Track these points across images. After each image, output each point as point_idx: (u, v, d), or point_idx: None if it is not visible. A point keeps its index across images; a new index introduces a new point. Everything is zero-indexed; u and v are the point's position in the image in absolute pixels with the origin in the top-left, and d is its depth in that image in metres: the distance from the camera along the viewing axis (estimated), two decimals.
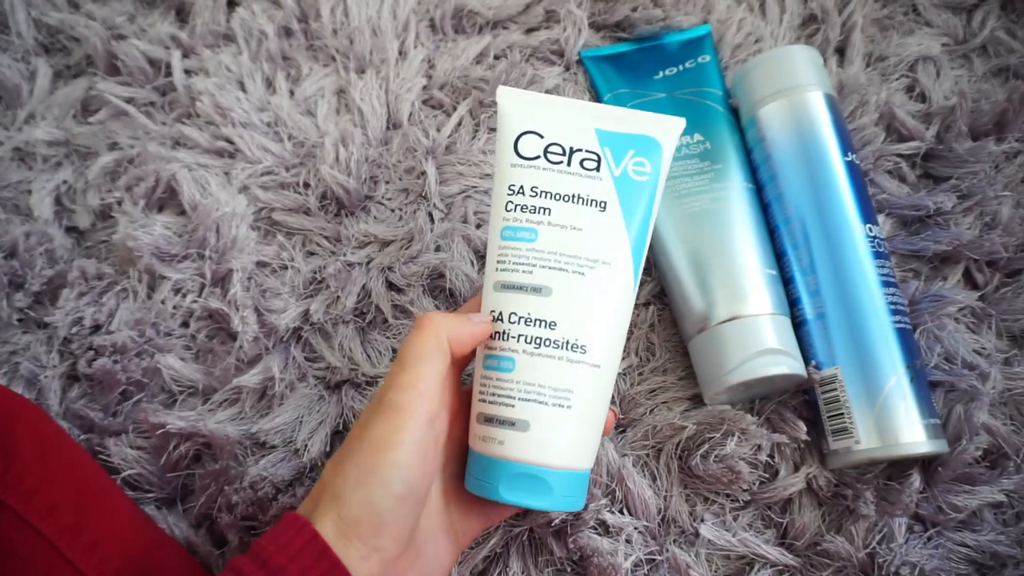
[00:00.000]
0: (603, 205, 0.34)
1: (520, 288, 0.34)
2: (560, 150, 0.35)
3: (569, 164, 0.35)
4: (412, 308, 0.45)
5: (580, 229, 0.34)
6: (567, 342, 0.33)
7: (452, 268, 0.45)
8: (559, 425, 0.33)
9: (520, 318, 0.33)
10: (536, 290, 0.33)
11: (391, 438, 0.29)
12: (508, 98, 0.36)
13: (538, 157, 0.35)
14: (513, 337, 0.33)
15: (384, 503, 0.28)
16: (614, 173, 0.35)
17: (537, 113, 0.36)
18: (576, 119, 0.36)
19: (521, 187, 0.35)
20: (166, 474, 0.43)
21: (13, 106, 0.52)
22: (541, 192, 0.34)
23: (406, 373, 0.31)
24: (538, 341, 0.33)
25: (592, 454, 0.34)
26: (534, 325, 0.33)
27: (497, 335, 0.34)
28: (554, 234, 0.34)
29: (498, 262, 0.34)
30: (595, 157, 0.35)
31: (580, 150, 0.35)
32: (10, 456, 0.35)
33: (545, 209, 0.34)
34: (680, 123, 0.36)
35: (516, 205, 0.35)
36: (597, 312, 0.34)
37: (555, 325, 0.33)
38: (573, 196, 0.34)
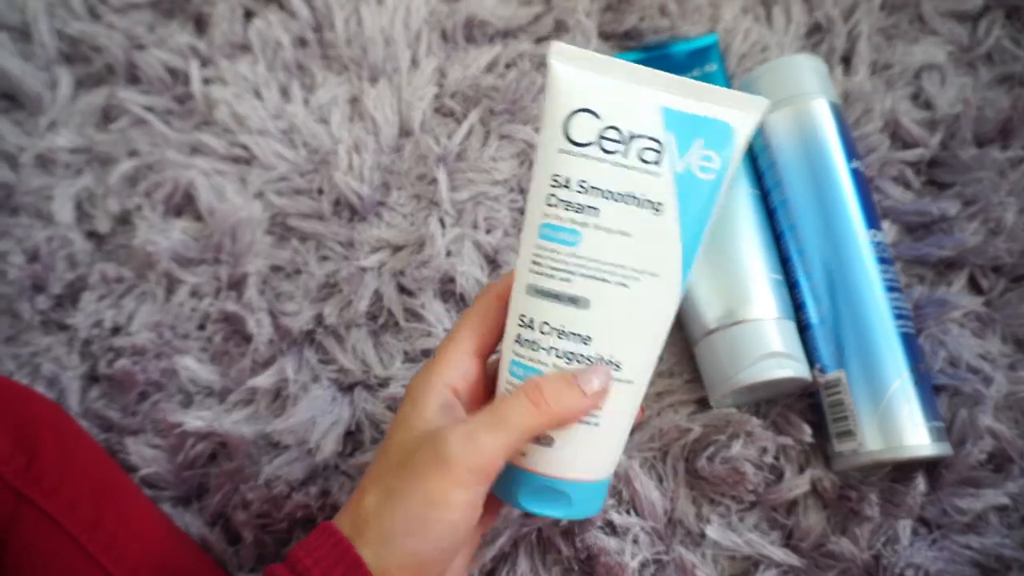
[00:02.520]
0: (659, 207, 0.30)
1: (555, 297, 0.30)
2: (618, 136, 0.30)
3: (627, 155, 0.30)
4: (423, 311, 0.46)
5: (629, 235, 0.30)
6: (601, 358, 0.30)
7: (463, 273, 0.46)
8: (585, 442, 0.31)
9: (553, 329, 0.30)
10: (573, 301, 0.30)
11: (449, 496, 0.28)
12: (563, 59, 0.30)
13: (591, 144, 0.30)
14: (544, 349, 0.30)
15: (432, 555, 0.29)
16: (676, 168, 0.30)
17: (596, 84, 0.30)
18: (641, 92, 0.30)
19: (568, 179, 0.30)
20: (182, 472, 0.44)
21: (36, 114, 0.53)
22: (590, 188, 0.30)
23: (494, 437, 0.28)
24: (570, 356, 0.30)
25: (614, 463, 0.33)
26: (567, 338, 0.30)
27: (526, 343, 0.31)
28: (599, 239, 0.30)
29: (533, 263, 0.31)
30: (657, 146, 0.30)
31: (641, 136, 0.30)
32: (33, 453, 0.36)
33: (593, 208, 0.30)
34: (763, 104, 0.30)
35: (560, 200, 0.30)
36: (637, 328, 0.31)
37: (590, 340, 0.30)
38: (626, 195, 0.30)
